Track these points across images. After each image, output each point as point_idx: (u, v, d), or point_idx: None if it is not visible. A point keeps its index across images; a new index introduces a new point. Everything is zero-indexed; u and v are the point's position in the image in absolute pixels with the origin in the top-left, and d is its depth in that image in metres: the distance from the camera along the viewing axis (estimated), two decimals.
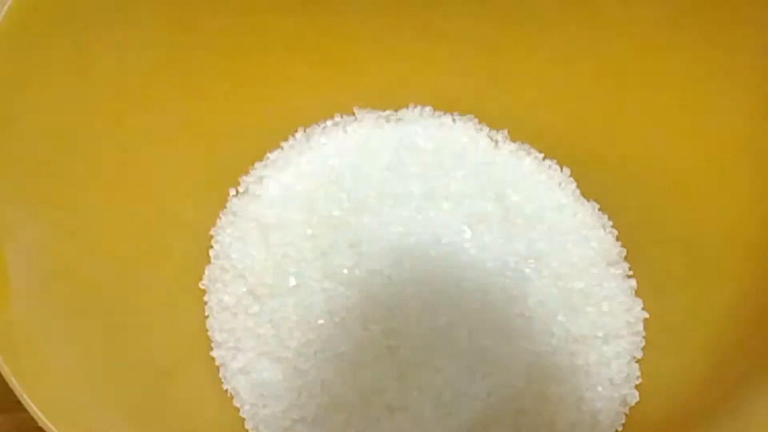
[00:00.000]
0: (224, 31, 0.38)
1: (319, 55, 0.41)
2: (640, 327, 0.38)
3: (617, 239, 0.40)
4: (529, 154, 0.42)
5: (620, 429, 0.37)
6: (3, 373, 0.27)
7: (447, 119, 0.43)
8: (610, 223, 0.41)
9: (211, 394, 0.37)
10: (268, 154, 0.42)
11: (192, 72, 0.38)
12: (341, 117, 0.43)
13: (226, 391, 0.37)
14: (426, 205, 0.39)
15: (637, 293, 0.39)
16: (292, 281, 0.38)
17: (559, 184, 0.42)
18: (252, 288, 0.38)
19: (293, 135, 0.42)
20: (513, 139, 0.42)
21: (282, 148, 0.42)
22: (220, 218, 0.41)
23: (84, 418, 0.29)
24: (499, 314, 0.37)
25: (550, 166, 0.42)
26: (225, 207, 0.41)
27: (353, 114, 0.43)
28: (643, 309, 0.38)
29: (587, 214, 0.41)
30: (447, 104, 0.43)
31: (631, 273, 0.40)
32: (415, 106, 0.43)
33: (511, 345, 0.36)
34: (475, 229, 0.39)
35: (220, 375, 0.38)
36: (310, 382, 0.36)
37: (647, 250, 0.39)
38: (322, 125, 0.43)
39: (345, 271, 0.38)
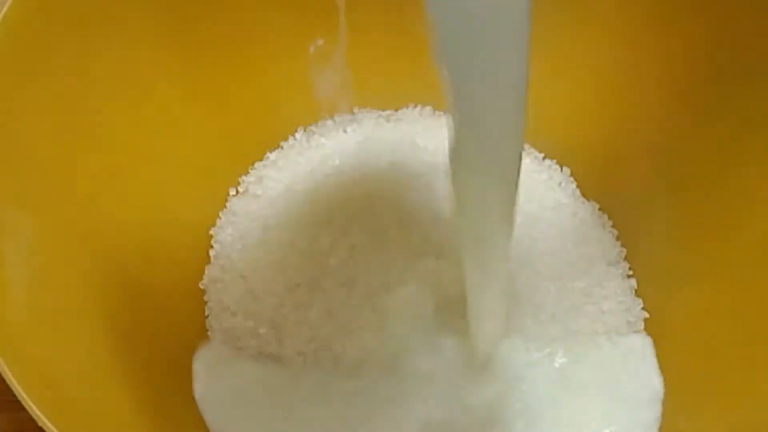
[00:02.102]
0: (224, 30, 0.38)
1: (320, 54, 0.41)
2: (641, 327, 0.38)
3: (617, 239, 0.40)
4: (528, 153, 0.42)
5: None
6: (2, 373, 0.27)
7: (447, 119, 0.43)
8: (611, 222, 0.41)
9: None
10: (268, 154, 0.42)
11: (192, 72, 0.38)
12: (341, 117, 0.43)
13: None
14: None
15: (637, 293, 0.39)
16: (293, 281, 0.38)
17: (559, 184, 0.42)
18: (252, 288, 0.38)
19: (293, 135, 0.42)
20: None
21: (282, 148, 0.42)
22: (220, 218, 0.41)
23: (83, 418, 0.29)
24: None
25: (550, 166, 0.42)
26: (225, 207, 0.41)
27: (353, 114, 0.43)
28: (643, 309, 0.38)
29: (587, 214, 0.41)
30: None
31: (631, 273, 0.40)
32: (416, 106, 0.43)
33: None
34: None
35: None
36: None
37: (647, 250, 0.39)
38: (322, 125, 0.43)
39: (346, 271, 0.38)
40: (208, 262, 0.40)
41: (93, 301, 0.33)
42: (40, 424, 0.26)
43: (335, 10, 0.40)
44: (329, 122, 0.43)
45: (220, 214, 0.41)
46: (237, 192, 0.41)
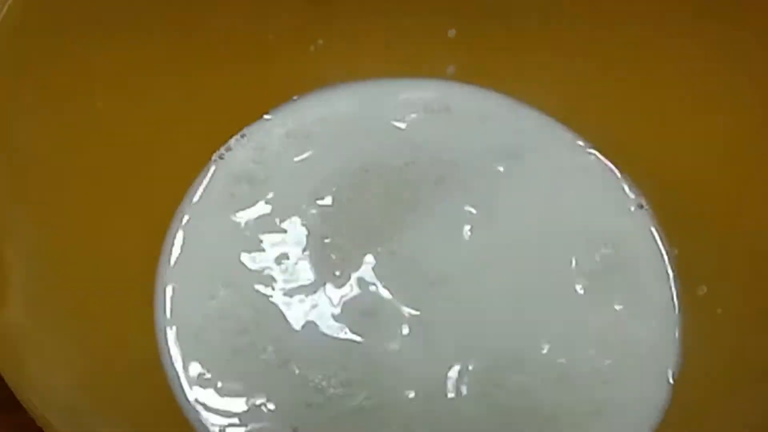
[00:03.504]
0: (224, 30, 0.38)
1: (320, 54, 0.41)
2: None
3: None
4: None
5: None
6: (2, 374, 0.27)
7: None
8: None
9: None
10: None
11: (192, 71, 0.38)
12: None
13: None
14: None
15: None
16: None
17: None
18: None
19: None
20: None
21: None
22: None
23: (83, 418, 0.29)
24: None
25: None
26: None
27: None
28: None
29: None
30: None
31: None
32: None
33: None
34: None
35: None
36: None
37: None
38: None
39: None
40: None
41: (93, 302, 0.33)
42: (39, 424, 0.27)
43: (335, 10, 0.40)
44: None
45: None
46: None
